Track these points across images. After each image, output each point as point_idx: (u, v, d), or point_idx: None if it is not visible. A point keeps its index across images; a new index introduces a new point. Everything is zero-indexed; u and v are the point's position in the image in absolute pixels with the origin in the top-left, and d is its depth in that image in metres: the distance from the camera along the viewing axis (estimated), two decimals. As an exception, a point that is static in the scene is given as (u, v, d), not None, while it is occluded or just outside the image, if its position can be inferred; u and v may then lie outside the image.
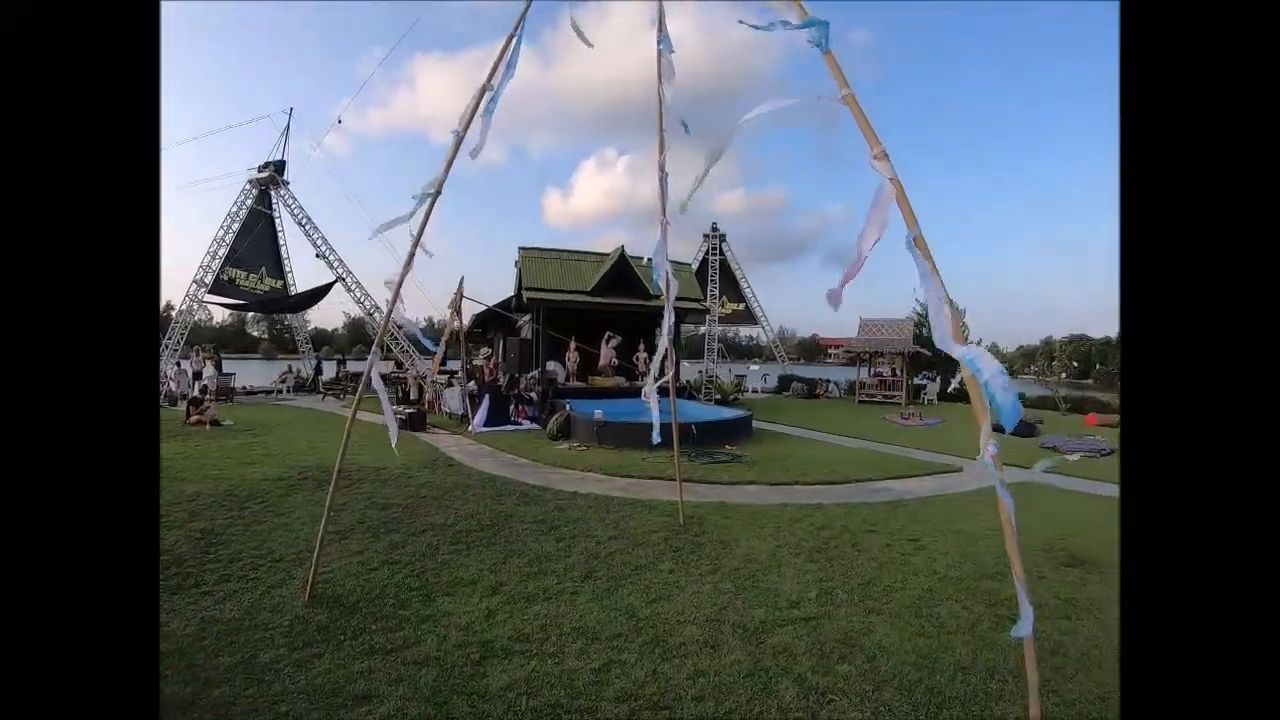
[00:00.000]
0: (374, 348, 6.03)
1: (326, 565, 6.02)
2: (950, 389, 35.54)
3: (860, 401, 31.84)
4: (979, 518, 8.86)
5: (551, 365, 21.73)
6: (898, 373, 33.07)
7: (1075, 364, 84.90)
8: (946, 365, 36.58)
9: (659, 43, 6.96)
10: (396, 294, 5.56)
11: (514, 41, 5.68)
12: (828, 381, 37.79)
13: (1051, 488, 11.81)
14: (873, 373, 34.57)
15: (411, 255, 5.51)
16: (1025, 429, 19.56)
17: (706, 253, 41.05)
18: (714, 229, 41.17)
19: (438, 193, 5.45)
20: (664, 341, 7.84)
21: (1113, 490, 11.78)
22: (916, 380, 34.49)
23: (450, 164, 5.48)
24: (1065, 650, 4.99)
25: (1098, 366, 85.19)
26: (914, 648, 4.93)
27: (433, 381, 21.88)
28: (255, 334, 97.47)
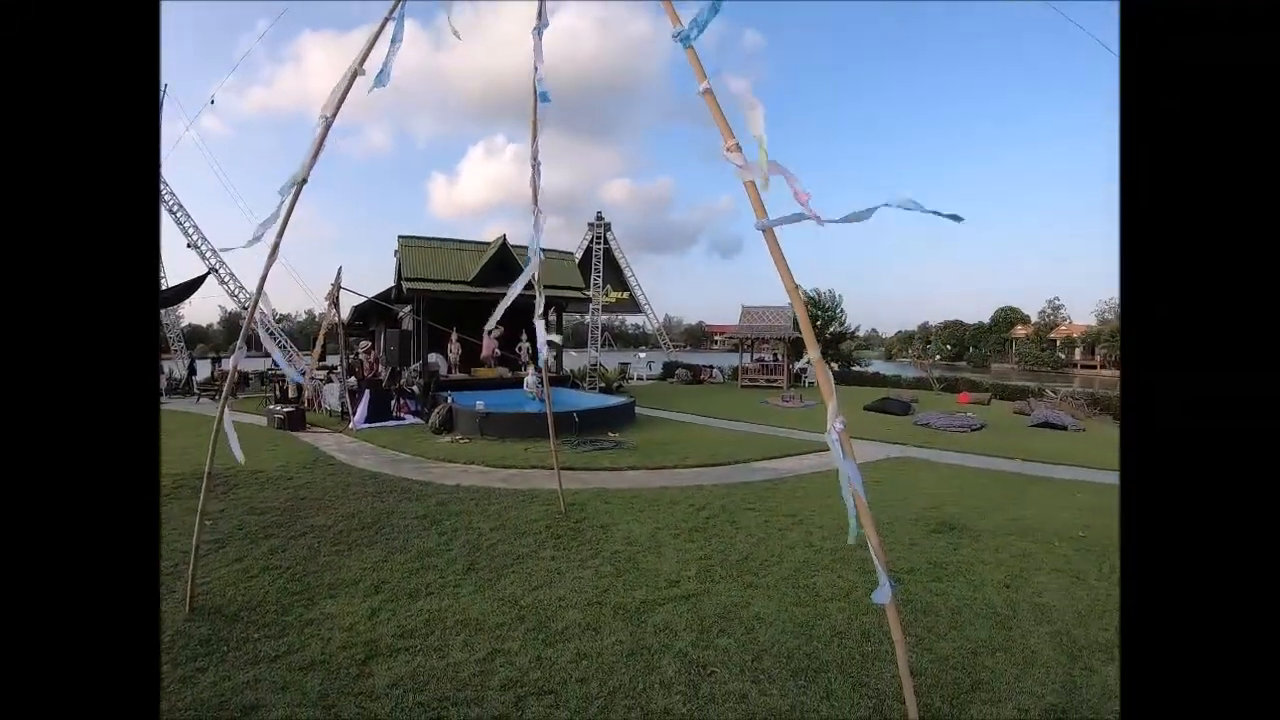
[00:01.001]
0: (237, 343, 5.85)
1: (205, 575, 5.88)
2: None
3: (743, 386, 32.60)
4: (851, 492, 9.31)
5: (433, 357, 21.42)
6: (779, 357, 34.06)
7: (949, 347, 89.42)
8: (827, 350, 37.90)
9: (535, 31, 6.95)
10: (260, 289, 5.47)
11: (399, 9, 5.55)
12: (712, 367, 38.56)
13: (926, 461, 12.48)
14: (754, 358, 35.47)
15: (275, 247, 5.33)
16: (900, 407, 20.58)
17: (591, 241, 41.13)
18: (599, 218, 41.26)
19: (304, 181, 5.28)
20: (541, 331, 7.93)
21: (980, 462, 12.62)
22: (797, 365, 35.56)
23: (318, 151, 5.30)
24: (937, 610, 5.40)
25: (970, 349, 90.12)
26: (791, 617, 5.22)
27: (310, 378, 21.24)
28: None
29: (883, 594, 3.31)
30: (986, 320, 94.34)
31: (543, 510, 8.24)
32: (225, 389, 5.56)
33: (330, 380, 20.33)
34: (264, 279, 5.48)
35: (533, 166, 7.59)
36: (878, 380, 35.60)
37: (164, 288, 31.52)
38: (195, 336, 63.49)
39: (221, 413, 5.55)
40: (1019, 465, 12.39)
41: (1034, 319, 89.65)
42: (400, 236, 23.63)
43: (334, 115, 5.39)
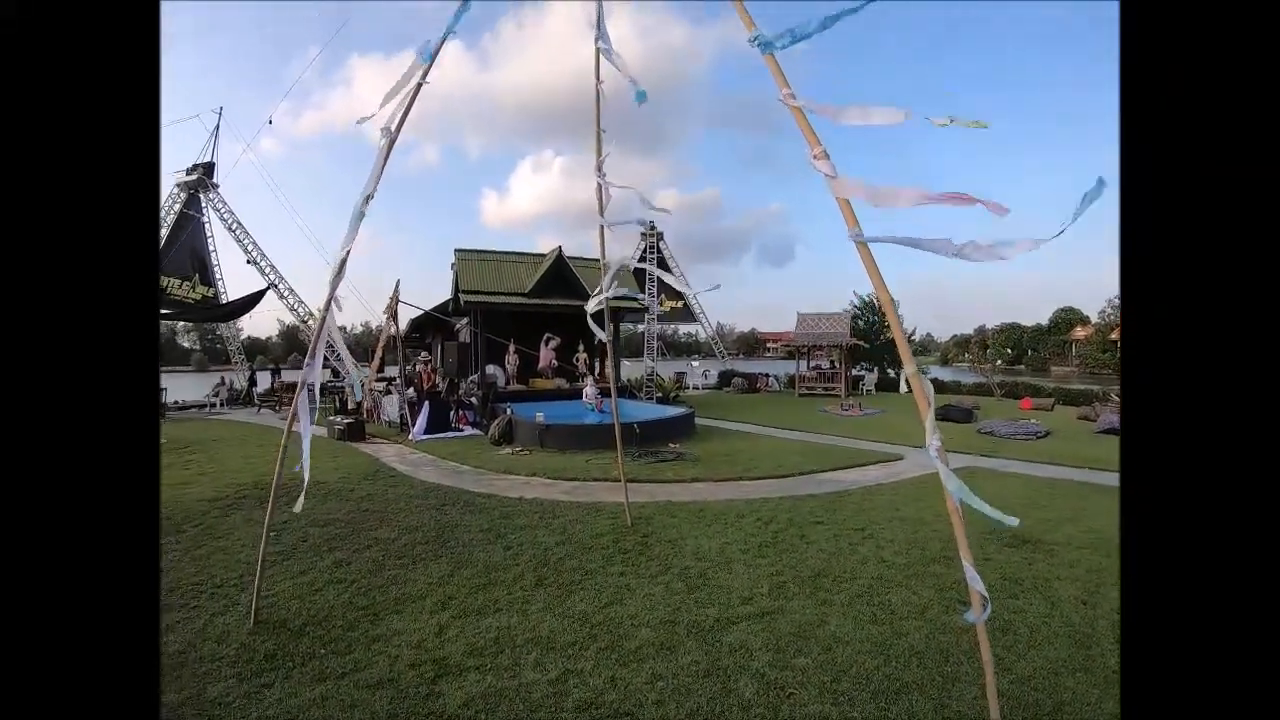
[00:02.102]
0: (307, 359, 5.82)
1: (270, 588, 5.84)
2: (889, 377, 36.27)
3: (800, 394, 32.26)
4: (922, 504, 9.05)
5: (491, 369, 21.53)
6: (836, 365, 33.64)
7: (1009, 350, 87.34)
8: (883, 356, 37.36)
9: (597, 40, 6.93)
10: (328, 304, 5.42)
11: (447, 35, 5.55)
12: (767, 376, 38.20)
13: (992, 471, 12.14)
14: (811, 365, 35.09)
15: (342, 264, 5.30)
16: (962, 415, 20.07)
17: (645, 251, 41.12)
18: (651, 227, 41.23)
19: (370, 197, 5.29)
20: (600, 334, 7.82)
21: (1048, 471, 12.18)
22: (855, 371, 35.10)
23: (383, 166, 5.32)
24: (1015, 628, 5.14)
25: (1029, 353, 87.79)
26: (868, 636, 5.00)
27: (370, 390, 21.45)
28: (186, 345, 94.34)
29: (977, 614, 3.23)
30: (1045, 322, 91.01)
31: (609, 524, 8.07)
32: (295, 403, 5.47)
33: (389, 392, 20.51)
34: (332, 296, 5.45)
35: (599, 184, 7.52)
36: (937, 387, 34.86)
37: (224, 302, 32.35)
38: (255, 348, 64.89)
39: (290, 425, 5.48)
40: (1088, 474, 11.91)
41: (1094, 319, 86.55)
42: (457, 250, 23.81)
43: (398, 130, 5.38)
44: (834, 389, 31.83)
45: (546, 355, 21.83)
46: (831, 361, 34.64)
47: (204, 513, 8.83)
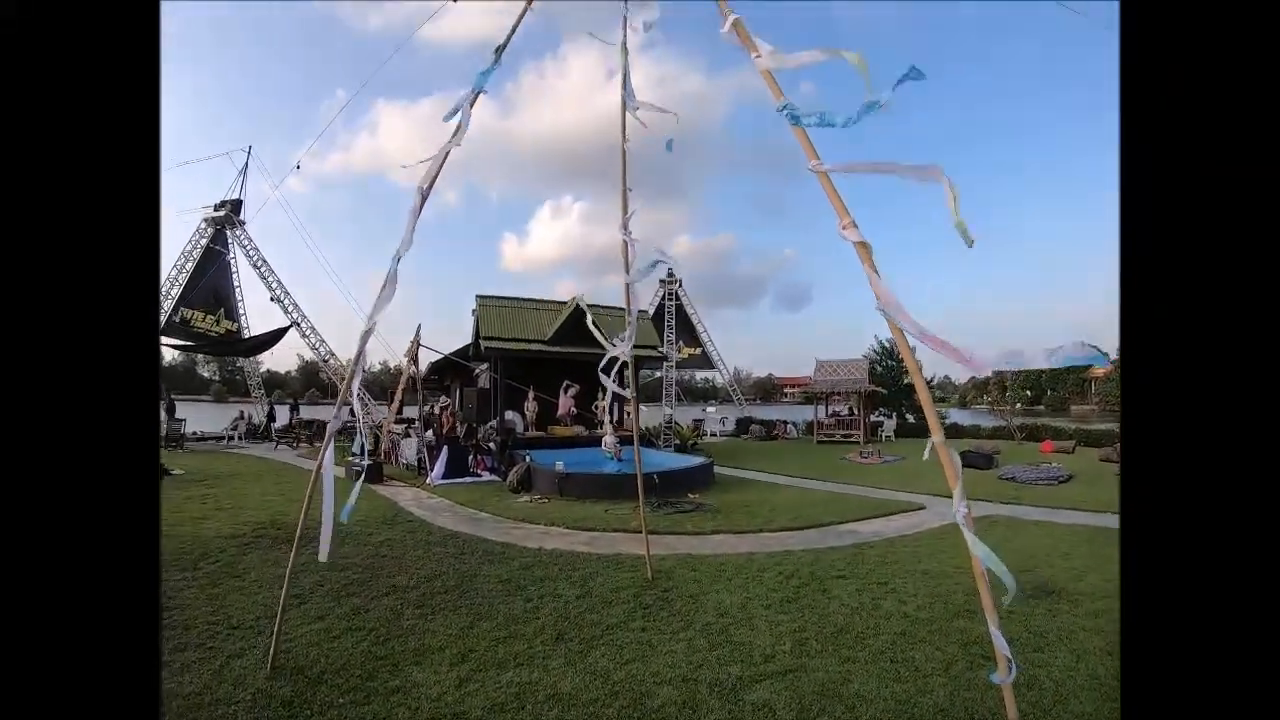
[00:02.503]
0: (336, 410, 5.86)
1: (287, 632, 5.80)
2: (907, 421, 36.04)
3: (819, 441, 32.10)
4: (945, 556, 8.94)
5: (510, 415, 21.55)
6: (855, 411, 33.48)
7: (1027, 392, 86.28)
8: (902, 401, 37.16)
9: (624, 97, 7.05)
10: (357, 359, 5.48)
11: (475, 97, 5.71)
12: (785, 422, 38.04)
13: (1013, 519, 12.01)
14: (829, 412, 34.93)
15: (369, 332, 5.51)
16: (983, 461, 19.86)
17: (663, 298, 41.39)
18: (670, 275, 41.52)
19: (400, 257, 5.40)
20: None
21: (1071, 518, 12.06)
22: (874, 417, 34.88)
23: (415, 221, 5.44)
24: (1040, 683, 5.07)
25: (1048, 392, 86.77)
26: (892, 694, 4.92)
27: (389, 432, 21.51)
28: (206, 375, 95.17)
29: (1001, 676, 3.28)
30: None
31: (629, 577, 7.98)
32: (324, 452, 5.49)
33: (408, 434, 20.56)
34: (360, 354, 5.56)
35: (623, 240, 7.59)
36: (956, 431, 34.53)
37: (246, 336, 32.78)
38: (274, 382, 65.30)
39: (319, 469, 5.49)
40: (1111, 519, 11.74)
41: (1113, 355, 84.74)
42: (478, 296, 24.01)
43: (429, 188, 5.53)
44: (853, 435, 31.66)
45: (566, 403, 21.86)
46: (850, 408, 34.49)
47: (221, 550, 8.84)
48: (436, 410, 21.25)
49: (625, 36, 7.12)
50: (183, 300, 30.83)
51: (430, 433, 19.00)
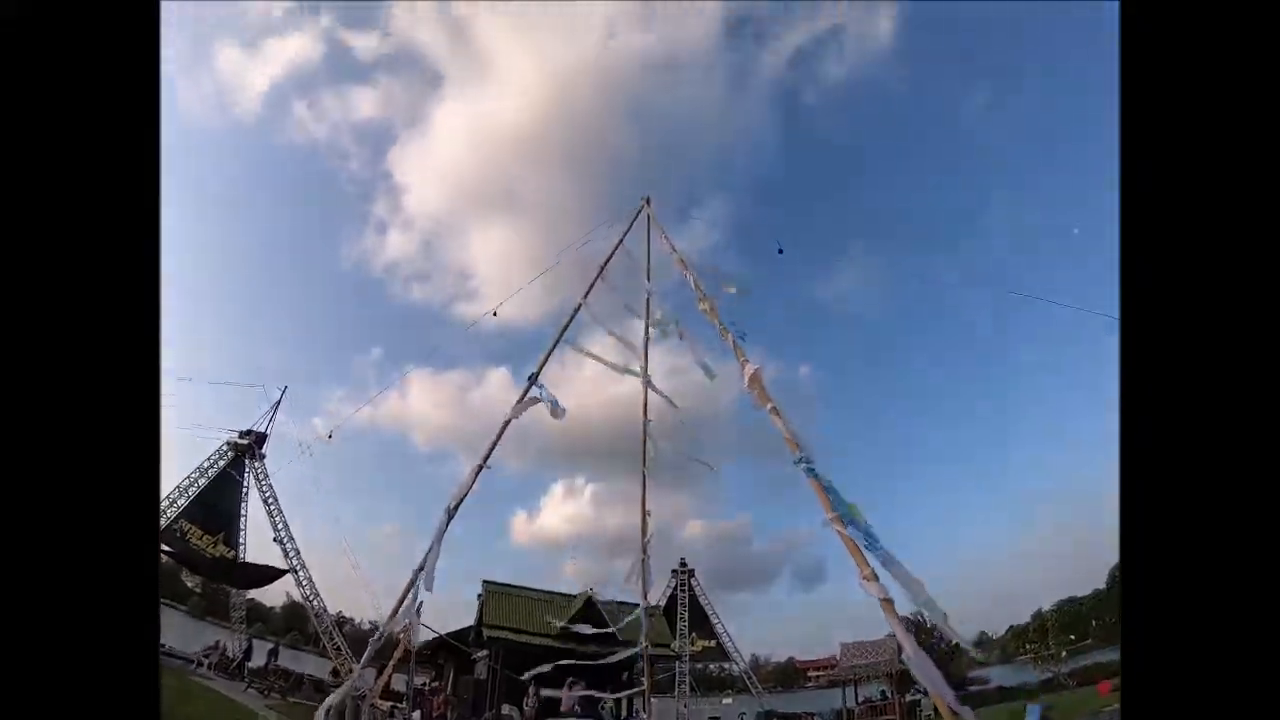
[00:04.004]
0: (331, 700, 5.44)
1: None
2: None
3: (854, 735, 29.61)
4: None
5: (507, 709, 20.16)
6: (888, 695, 31.22)
7: (1071, 637, 75.33)
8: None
9: (643, 382, 7.79)
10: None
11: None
12: (813, 715, 35.31)
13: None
14: (860, 700, 32.58)
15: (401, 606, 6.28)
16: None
17: (675, 589, 40.02)
18: (682, 565, 40.44)
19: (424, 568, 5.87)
20: None
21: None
22: (909, 697, 32.08)
23: (438, 543, 5.82)
24: None
25: (1094, 624, 76.42)
26: None
27: (373, 704, 19.99)
28: (189, 584, 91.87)
29: None
30: (1103, 584, 78.78)
31: None
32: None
33: (393, 715, 19.11)
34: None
35: (642, 560, 8.12)
36: (1006, 695, 31.24)
37: (239, 564, 32.14)
38: (256, 613, 62.27)
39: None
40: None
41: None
42: (485, 582, 23.75)
43: (456, 508, 5.97)
44: (889, 721, 29.16)
45: (569, 700, 20.42)
46: (883, 690, 31.99)
47: None
48: (426, 692, 19.87)
49: (649, 320, 8.42)
50: (186, 513, 30.41)
51: (418, 715, 17.67)
